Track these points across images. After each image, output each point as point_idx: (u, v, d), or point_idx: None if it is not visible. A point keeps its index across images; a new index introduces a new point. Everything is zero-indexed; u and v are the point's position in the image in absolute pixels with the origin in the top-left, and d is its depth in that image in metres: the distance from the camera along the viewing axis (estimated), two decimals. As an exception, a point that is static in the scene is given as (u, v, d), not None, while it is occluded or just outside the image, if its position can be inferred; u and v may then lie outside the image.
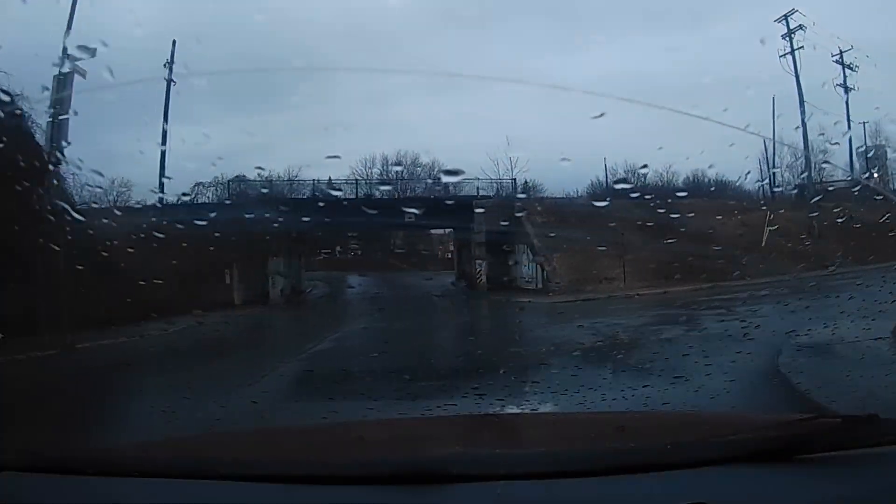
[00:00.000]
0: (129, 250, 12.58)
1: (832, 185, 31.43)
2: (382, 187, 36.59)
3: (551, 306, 22.15)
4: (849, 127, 31.23)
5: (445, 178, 38.74)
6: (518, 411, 6.18)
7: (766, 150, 35.94)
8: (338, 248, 45.07)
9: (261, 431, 4.15)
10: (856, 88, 35.42)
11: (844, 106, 33.89)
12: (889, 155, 34.98)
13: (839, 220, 24.90)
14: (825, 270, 21.60)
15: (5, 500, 2.30)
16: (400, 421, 4.52)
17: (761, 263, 23.40)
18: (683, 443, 2.33)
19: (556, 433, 3.13)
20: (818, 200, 28.73)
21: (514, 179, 34.93)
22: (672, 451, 2.22)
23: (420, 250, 46.31)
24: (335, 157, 41.75)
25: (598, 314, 18.11)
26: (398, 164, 38.77)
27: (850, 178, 32.73)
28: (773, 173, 38.78)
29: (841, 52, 35.87)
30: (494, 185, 33.31)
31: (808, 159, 34.42)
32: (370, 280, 36.70)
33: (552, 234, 25.81)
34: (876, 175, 34.00)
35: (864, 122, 30.37)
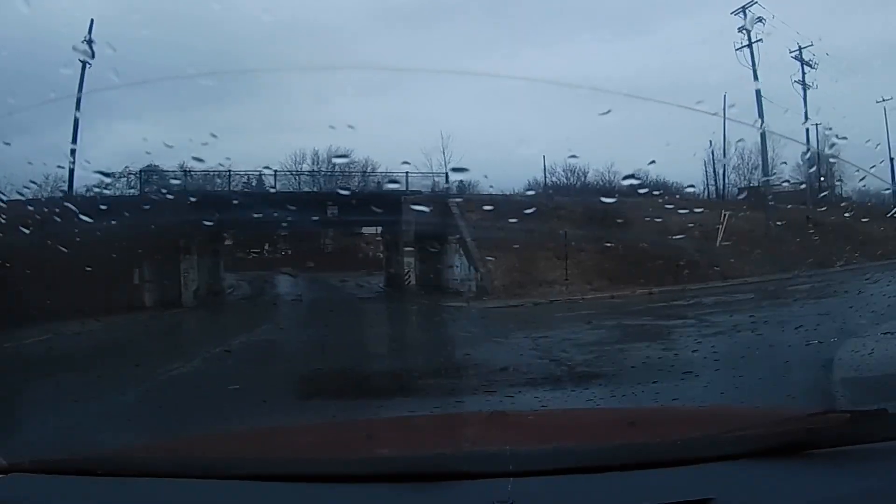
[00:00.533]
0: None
1: (779, 189, 31.43)
2: (305, 180, 34.16)
3: (485, 313, 20.77)
4: (806, 120, 30.11)
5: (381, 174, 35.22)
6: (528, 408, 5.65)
7: (713, 149, 36.31)
8: (266, 247, 41.64)
9: (269, 430, 3.98)
10: (814, 86, 34.32)
11: (807, 104, 33.57)
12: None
13: (799, 222, 24.43)
14: (788, 274, 20.93)
15: (14, 501, 2.27)
16: (409, 419, 4.40)
17: (716, 266, 22.27)
18: (693, 438, 2.35)
19: (566, 429, 3.12)
20: (772, 202, 28.39)
21: (447, 174, 33.19)
22: (681, 447, 2.25)
23: (354, 250, 43.18)
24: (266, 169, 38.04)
25: (540, 325, 16.20)
26: (331, 159, 35.99)
27: (797, 182, 32.75)
28: (724, 173, 38.94)
29: (800, 48, 34.68)
30: (430, 181, 31.44)
31: (764, 159, 33.64)
32: (297, 281, 34.32)
33: (488, 233, 23.69)
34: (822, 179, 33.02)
35: (816, 124, 28.70)
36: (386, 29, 55.77)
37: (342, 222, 30.50)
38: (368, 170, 32.77)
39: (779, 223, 25.37)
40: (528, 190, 32.32)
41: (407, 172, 27.72)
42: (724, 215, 22.32)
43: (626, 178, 35.51)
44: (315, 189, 30.14)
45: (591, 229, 21.11)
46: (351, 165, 34.18)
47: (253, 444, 3.13)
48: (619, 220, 20.17)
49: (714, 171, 37.55)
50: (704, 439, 2.35)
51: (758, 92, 24.38)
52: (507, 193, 27.08)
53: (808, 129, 29.19)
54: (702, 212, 24.47)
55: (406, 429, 3.54)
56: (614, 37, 57.01)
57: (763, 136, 26.50)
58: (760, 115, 23.82)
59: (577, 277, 22.88)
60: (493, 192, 26.07)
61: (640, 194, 20.17)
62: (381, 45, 50.83)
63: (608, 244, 20.27)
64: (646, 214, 20.38)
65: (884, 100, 33.75)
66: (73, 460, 2.58)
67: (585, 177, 34.53)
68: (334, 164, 33.53)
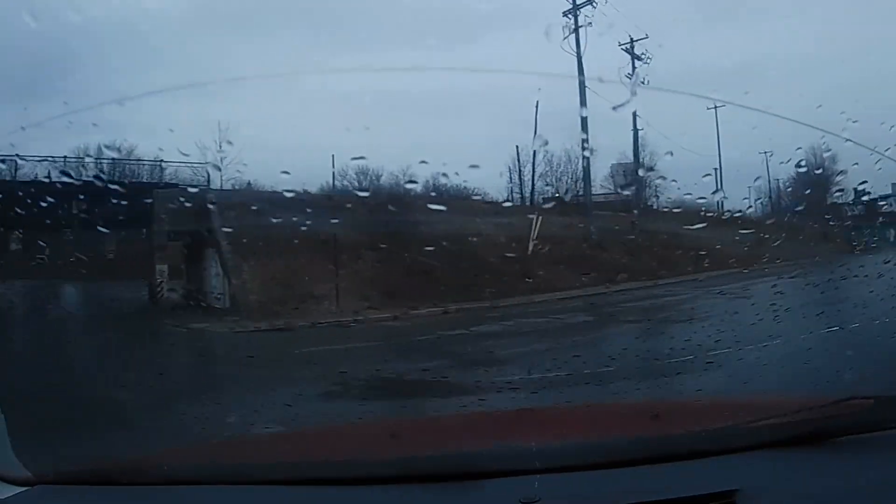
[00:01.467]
0: None
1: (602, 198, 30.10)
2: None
3: (225, 341, 15.74)
4: (635, 126, 29.54)
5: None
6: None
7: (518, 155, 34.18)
8: (47, 251, 33.28)
9: (292, 434, 4.09)
10: (646, 82, 32.70)
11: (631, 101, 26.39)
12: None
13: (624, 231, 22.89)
14: (609, 286, 18.91)
15: None
16: (433, 418, 4.50)
17: (528, 277, 18.82)
18: (716, 429, 2.45)
19: (590, 424, 3.20)
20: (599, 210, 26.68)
21: (219, 166, 27.35)
22: (705, 438, 2.36)
23: (139, 256, 36.00)
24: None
25: (288, 367, 11.47)
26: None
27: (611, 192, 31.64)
28: (533, 177, 36.15)
29: (632, 41, 32.77)
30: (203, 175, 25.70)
31: (587, 166, 31.16)
32: (59, 292, 26.64)
33: (251, 237, 18.98)
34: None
35: (638, 129, 26.01)
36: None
37: (86, 220, 23.41)
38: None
39: (594, 231, 24.15)
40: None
41: (161, 161, 21.85)
42: (536, 220, 18.27)
43: (409, 182, 31.43)
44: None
45: (376, 235, 18.49)
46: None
47: (275, 449, 3.15)
48: (411, 226, 16.60)
49: (521, 177, 36.51)
50: (728, 430, 2.42)
51: (581, 84, 20.50)
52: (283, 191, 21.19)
53: (636, 133, 26.14)
54: (511, 219, 22.71)
55: (430, 428, 3.52)
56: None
57: (584, 125, 22.54)
58: (582, 109, 20.01)
59: (352, 292, 20.05)
60: (266, 189, 22.11)
61: (437, 198, 17.02)
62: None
63: (397, 253, 17.98)
64: (444, 221, 17.45)
65: (715, 106, 31.30)
66: (96, 470, 2.61)
67: (379, 179, 30.43)
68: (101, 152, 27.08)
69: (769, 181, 34.62)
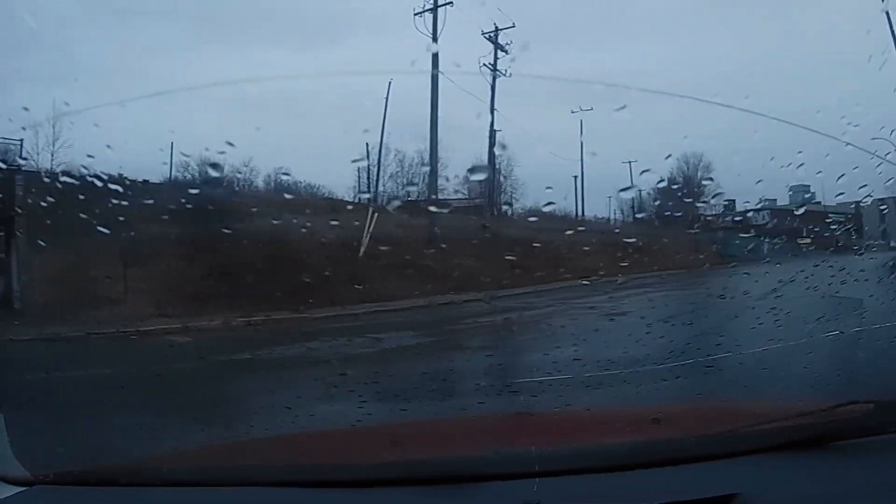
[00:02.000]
0: None
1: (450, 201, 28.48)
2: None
3: None
4: (492, 117, 26.65)
5: None
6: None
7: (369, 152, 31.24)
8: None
9: (291, 437, 4.06)
10: (507, 74, 30.15)
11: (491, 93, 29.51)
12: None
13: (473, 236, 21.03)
14: (453, 296, 16.85)
15: None
16: (433, 422, 4.60)
17: (359, 283, 17.03)
18: (716, 434, 2.50)
19: (590, 428, 3.24)
20: (447, 211, 23.83)
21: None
22: (706, 443, 2.40)
23: None
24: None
25: None
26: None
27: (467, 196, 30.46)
28: (378, 174, 34.18)
29: (497, 29, 30.83)
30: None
31: (433, 161, 29.00)
32: None
33: (53, 225, 13.97)
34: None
35: (496, 130, 27.92)
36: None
37: None
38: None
39: (438, 233, 22.11)
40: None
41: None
42: (371, 218, 16.26)
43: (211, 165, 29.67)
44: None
45: (186, 230, 16.09)
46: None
47: (275, 451, 3.14)
48: (232, 224, 14.97)
49: (369, 177, 34.31)
50: (728, 434, 2.46)
51: (434, 57, 18.73)
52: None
53: (492, 129, 24.77)
54: (350, 219, 20.69)
55: (430, 432, 3.51)
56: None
57: (433, 125, 20.75)
58: (434, 101, 18.10)
59: (147, 295, 17.34)
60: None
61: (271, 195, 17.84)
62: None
63: (209, 253, 16.05)
64: (271, 218, 15.94)
65: (581, 109, 30.45)
66: (95, 471, 2.64)
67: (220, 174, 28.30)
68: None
69: (637, 191, 34.09)
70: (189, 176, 29.89)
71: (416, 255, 19.06)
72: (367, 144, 32.42)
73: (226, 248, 15.75)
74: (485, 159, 27.62)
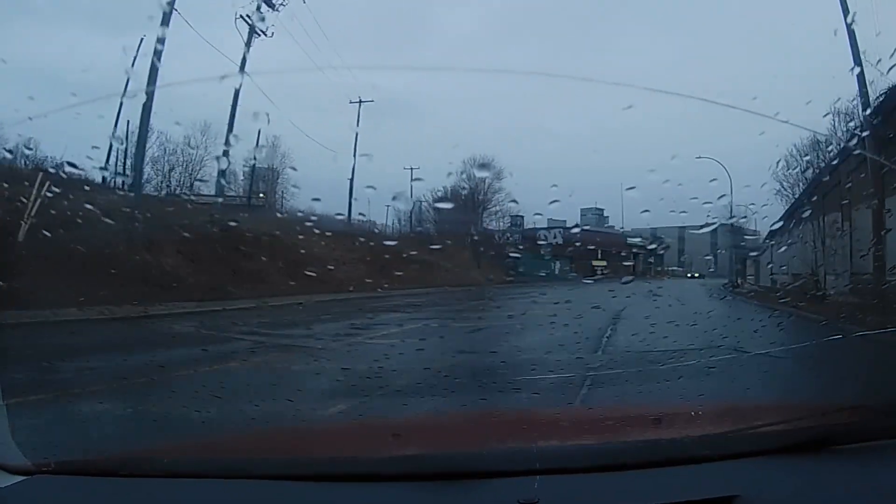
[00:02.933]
0: None
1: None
2: None
3: None
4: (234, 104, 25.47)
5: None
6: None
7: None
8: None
9: (293, 430, 3.95)
10: (269, 34, 28.76)
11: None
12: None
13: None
14: (146, 309, 13.22)
15: (38, 503, 2.41)
16: (435, 417, 4.37)
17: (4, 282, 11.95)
18: (717, 435, 2.55)
19: (591, 427, 3.17)
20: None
21: None
22: (706, 444, 2.44)
23: None
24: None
25: None
26: None
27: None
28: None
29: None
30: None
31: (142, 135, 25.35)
32: None
33: None
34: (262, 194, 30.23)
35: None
36: None
37: None
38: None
39: (139, 225, 17.83)
40: None
41: None
42: (42, 186, 11.66)
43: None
44: None
45: None
46: None
47: (276, 444, 3.09)
48: None
49: (125, 158, 30.31)
50: (728, 436, 2.52)
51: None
52: None
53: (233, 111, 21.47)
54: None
55: (432, 427, 3.49)
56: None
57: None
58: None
59: None
60: None
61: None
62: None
63: None
64: None
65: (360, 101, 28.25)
66: (96, 461, 2.72)
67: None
68: None
69: (418, 201, 31.76)
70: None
71: (108, 250, 14.73)
72: (128, 123, 29.02)
73: None
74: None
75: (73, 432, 6.14)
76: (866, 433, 2.30)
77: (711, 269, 34.47)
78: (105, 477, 2.45)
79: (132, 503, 2.35)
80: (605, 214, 46.96)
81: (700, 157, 17.33)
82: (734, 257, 29.61)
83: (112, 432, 6.32)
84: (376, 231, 32.52)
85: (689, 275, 28.86)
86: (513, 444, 2.75)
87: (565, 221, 31.81)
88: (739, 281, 29.72)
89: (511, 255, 31.68)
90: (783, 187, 28.99)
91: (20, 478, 2.43)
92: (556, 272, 29.79)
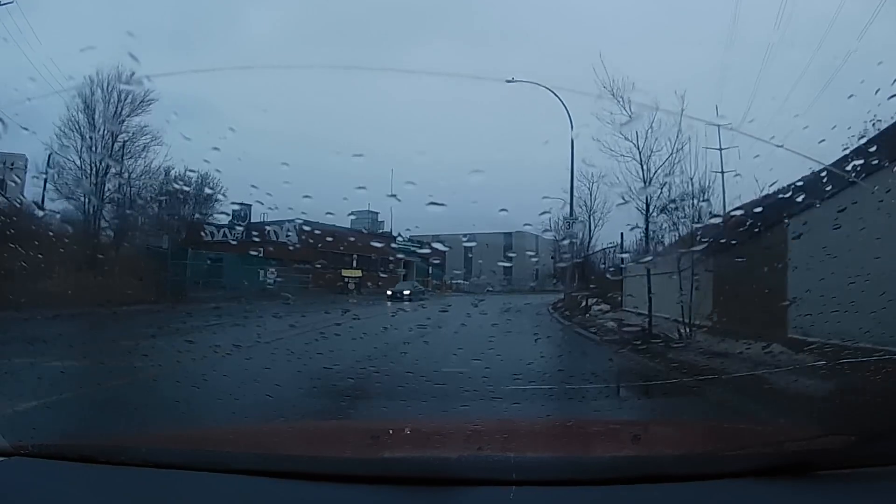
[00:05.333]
0: None
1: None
2: None
3: None
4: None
5: None
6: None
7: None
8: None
9: (273, 427, 4.02)
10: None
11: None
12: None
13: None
14: None
15: (16, 485, 2.34)
16: (415, 422, 4.28)
17: None
18: (698, 454, 2.54)
19: (570, 440, 3.18)
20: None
21: None
22: (686, 463, 2.44)
23: None
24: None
25: None
26: None
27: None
28: None
29: None
30: None
31: None
32: None
33: None
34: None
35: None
36: None
37: None
38: None
39: None
40: None
41: None
42: None
43: None
44: None
45: None
46: None
47: (256, 440, 3.15)
48: None
49: None
50: (709, 456, 2.48)
51: None
52: None
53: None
54: None
55: (411, 432, 3.38)
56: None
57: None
58: None
59: None
60: None
61: None
62: None
63: None
64: None
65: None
66: (75, 446, 2.76)
67: None
68: None
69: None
70: None
71: None
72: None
73: None
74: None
75: None
76: (848, 459, 2.29)
77: (532, 284, 30.67)
78: (82, 462, 2.47)
79: (109, 489, 2.36)
80: (380, 219, 40.65)
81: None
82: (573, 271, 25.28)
83: None
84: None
85: (488, 289, 20.64)
86: (490, 453, 2.70)
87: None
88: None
89: (198, 258, 26.73)
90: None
91: None
92: (269, 282, 23.92)
